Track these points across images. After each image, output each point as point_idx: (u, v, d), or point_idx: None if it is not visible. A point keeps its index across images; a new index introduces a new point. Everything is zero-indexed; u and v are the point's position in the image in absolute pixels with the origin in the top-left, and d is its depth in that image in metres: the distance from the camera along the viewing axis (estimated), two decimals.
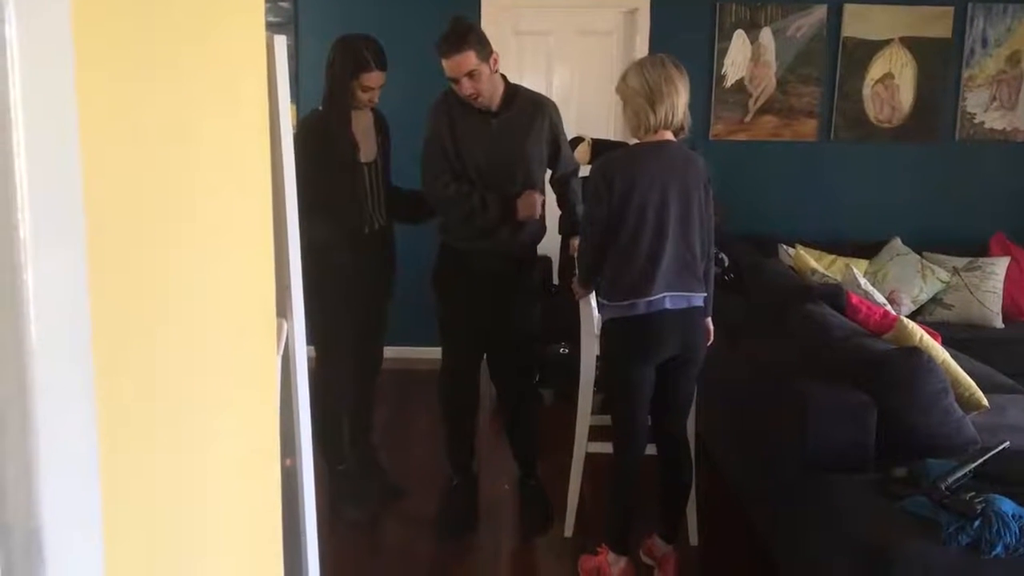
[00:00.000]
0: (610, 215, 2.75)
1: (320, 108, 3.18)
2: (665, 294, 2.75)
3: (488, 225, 3.16)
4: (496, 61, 3.08)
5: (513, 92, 3.20)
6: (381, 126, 3.31)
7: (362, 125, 3.20)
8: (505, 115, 3.16)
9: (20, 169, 0.45)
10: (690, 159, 2.81)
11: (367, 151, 3.20)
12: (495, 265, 3.22)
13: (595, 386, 3.27)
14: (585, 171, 3.20)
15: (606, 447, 3.04)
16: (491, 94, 3.11)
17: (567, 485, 3.30)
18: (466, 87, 3.02)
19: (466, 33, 3.00)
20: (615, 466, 2.94)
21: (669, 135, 2.77)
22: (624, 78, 2.79)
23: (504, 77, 3.20)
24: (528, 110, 3.19)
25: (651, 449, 3.02)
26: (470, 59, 2.98)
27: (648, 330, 2.79)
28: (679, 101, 2.73)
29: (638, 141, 2.83)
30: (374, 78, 3.09)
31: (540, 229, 3.33)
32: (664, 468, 3.04)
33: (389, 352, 4.68)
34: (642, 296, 2.74)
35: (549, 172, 3.35)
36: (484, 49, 3.02)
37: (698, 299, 2.83)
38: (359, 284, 3.23)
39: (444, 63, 3.02)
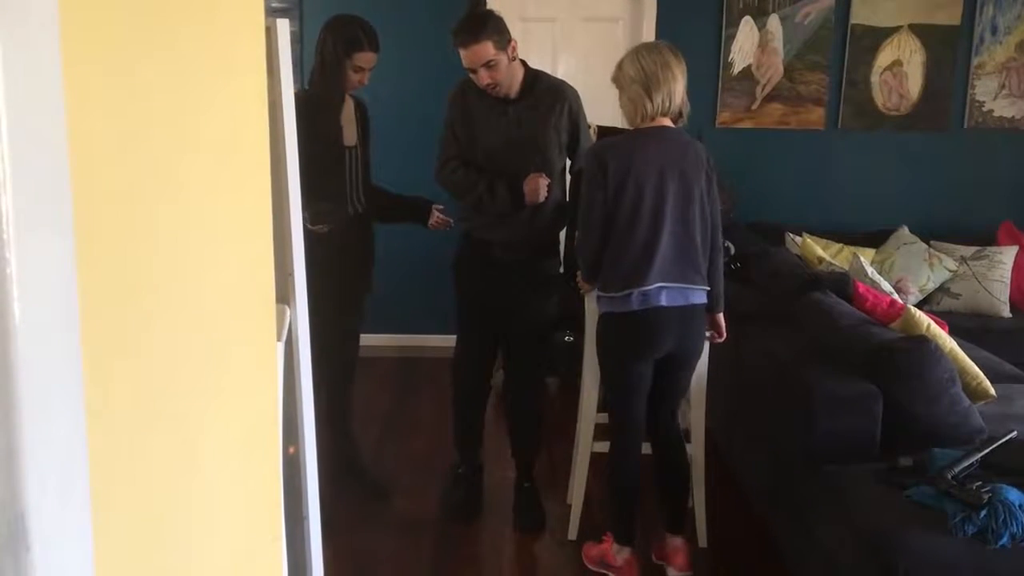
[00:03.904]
0: (606, 200, 2.68)
1: (307, 88, 3.12)
2: (661, 284, 2.67)
3: (501, 212, 3.12)
4: (515, 49, 3.01)
5: (533, 78, 3.13)
6: (362, 114, 3.25)
7: (344, 111, 3.15)
8: (523, 103, 3.09)
9: (2, 145, 0.43)
10: (689, 144, 2.74)
11: (348, 135, 3.16)
12: (513, 252, 3.18)
13: None
14: None
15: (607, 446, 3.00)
16: (509, 83, 3.05)
17: (569, 481, 3.25)
18: (483, 78, 2.97)
19: (483, 22, 2.93)
20: (613, 459, 2.91)
21: (667, 121, 2.72)
22: (620, 66, 2.74)
23: (524, 63, 3.13)
24: (547, 97, 3.12)
25: (647, 448, 2.98)
26: (487, 50, 2.91)
27: (643, 328, 2.72)
28: (676, 88, 2.68)
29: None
30: (366, 58, 3.03)
31: (557, 217, 3.25)
32: (659, 459, 2.99)
33: (393, 340, 4.68)
34: (637, 285, 2.67)
35: (569, 162, 3.28)
36: (502, 38, 2.95)
37: (698, 295, 2.75)
38: (337, 270, 3.10)
39: (460, 53, 2.96)
